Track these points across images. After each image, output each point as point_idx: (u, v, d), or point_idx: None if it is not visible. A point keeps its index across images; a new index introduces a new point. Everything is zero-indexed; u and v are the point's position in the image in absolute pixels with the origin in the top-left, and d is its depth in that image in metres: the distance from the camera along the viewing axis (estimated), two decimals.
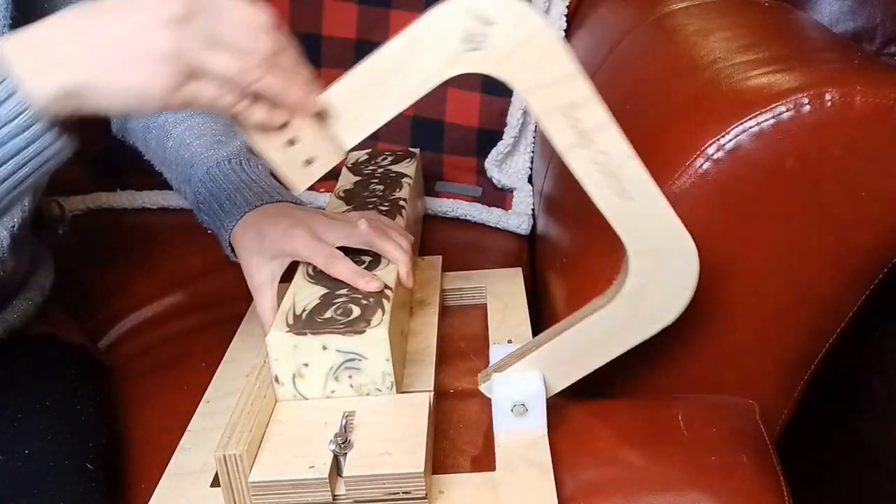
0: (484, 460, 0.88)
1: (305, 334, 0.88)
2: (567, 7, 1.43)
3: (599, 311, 0.89)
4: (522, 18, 0.78)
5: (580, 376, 0.92)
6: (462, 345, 1.07)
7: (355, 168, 1.29)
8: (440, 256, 1.20)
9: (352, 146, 0.83)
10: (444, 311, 1.13)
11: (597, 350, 0.91)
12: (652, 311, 0.88)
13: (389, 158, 1.32)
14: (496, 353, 0.97)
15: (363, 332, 0.88)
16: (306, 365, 0.89)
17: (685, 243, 0.86)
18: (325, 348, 0.88)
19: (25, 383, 0.99)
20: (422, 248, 1.23)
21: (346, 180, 1.25)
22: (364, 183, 1.23)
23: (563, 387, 0.93)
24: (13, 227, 0.98)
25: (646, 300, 0.88)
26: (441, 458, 0.88)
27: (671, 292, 0.88)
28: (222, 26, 0.73)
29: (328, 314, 0.91)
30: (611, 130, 0.82)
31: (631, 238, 0.86)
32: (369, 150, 1.37)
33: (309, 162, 0.82)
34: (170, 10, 0.71)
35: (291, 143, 0.81)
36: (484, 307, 1.12)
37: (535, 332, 1.03)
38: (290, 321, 0.90)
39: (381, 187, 1.21)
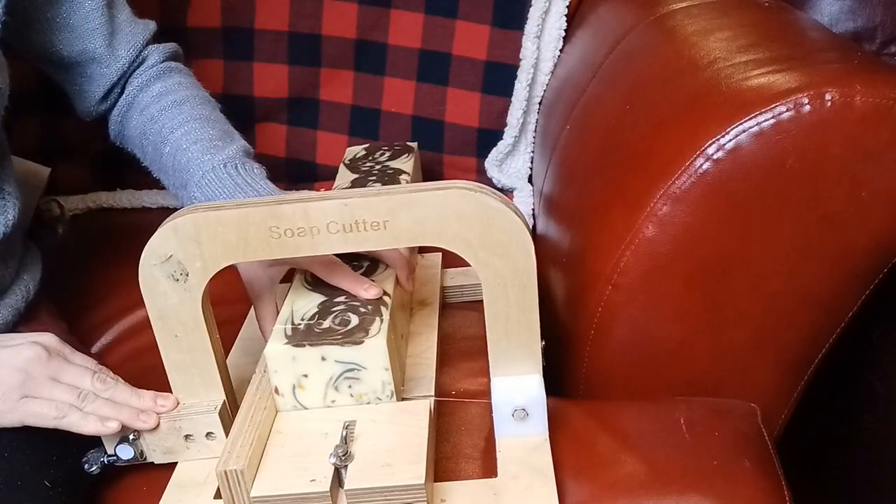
0: (486, 465, 0.88)
1: (304, 346, 0.89)
2: (567, 7, 1.43)
3: (484, 297, 0.88)
4: (177, 230, 0.85)
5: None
6: (463, 345, 1.07)
7: (353, 165, 1.29)
8: (440, 254, 1.20)
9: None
10: (445, 309, 1.13)
11: (520, 318, 0.89)
12: (501, 255, 0.86)
13: (387, 154, 1.32)
14: None
15: (361, 342, 0.88)
16: (306, 376, 0.89)
17: (450, 196, 0.83)
18: (323, 359, 0.88)
19: None
20: (421, 247, 1.23)
21: (344, 178, 1.24)
22: (362, 180, 1.23)
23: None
24: None
25: (488, 251, 0.85)
26: (443, 462, 0.89)
27: (508, 237, 0.85)
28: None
29: (326, 324, 0.91)
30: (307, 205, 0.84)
31: (428, 238, 0.85)
32: (367, 146, 1.36)
33: (210, 435, 0.92)
34: None
35: (188, 437, 0.92)
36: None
37: None
38: (289, 332, 0.91)
39: (379, 184, 1.21)
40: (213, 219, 0.84)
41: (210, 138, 1.07)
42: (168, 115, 1.10)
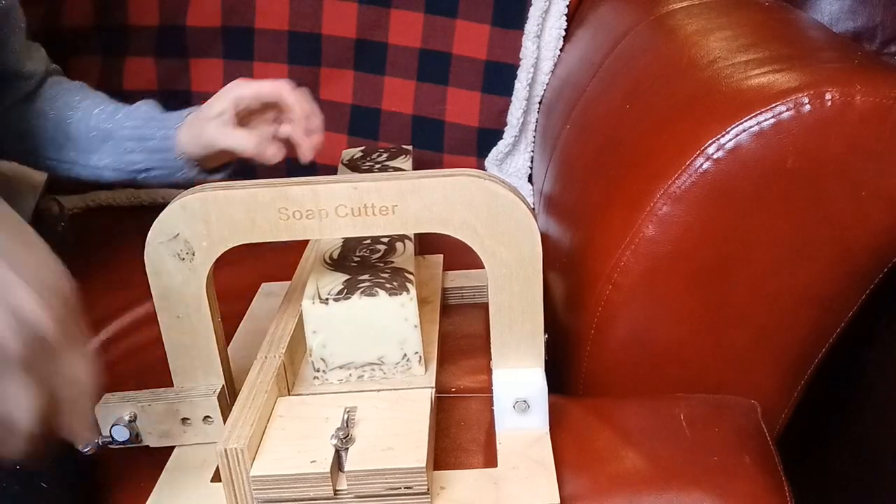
0: (486, 457, 0.88)
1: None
2: (567, 7, 1.44)
3: (489, 287, 0.89)
4: (185, 208, 0.85)
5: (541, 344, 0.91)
6: (463, 343, 1.06)
7: (352, 164, 1.29)
8: (441, 255, 1.20)
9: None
10: (445, 310, 1.12)
11: (524, 309, 0.89)
12: (507, 244, 0.86)
13: (385, 155, 1.32)
14: None
15: None
16: None
17: (458, 183, 0.84)
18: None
19: None
20: (422, 247, 1.23)
21: None
22: None
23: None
24: None
25: (494, 240, 0.86)
26: (443, 455, 0.88)
27: (514, 231, 0.86)
28: None
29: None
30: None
31: (435, 224, 0.86)
32: (363, 148, 1.36)
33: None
34: None
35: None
36: (485, 306, 1.12)
37: None
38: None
39: None
40: (222, 198, 0.84)
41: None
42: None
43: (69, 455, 0.91)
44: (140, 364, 1.15)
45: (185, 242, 0.86)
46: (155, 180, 1.20)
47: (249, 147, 1.12)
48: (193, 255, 0.86)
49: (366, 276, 0.95)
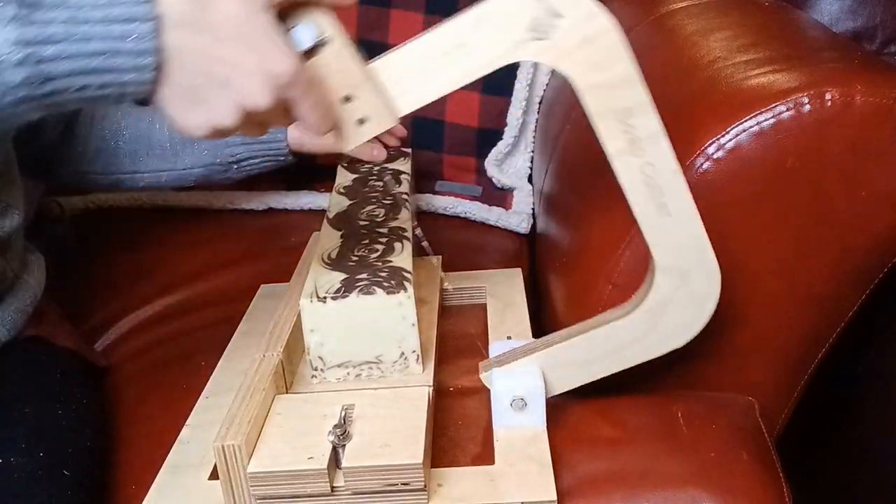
0: (483, 455, 0.88)
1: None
2: None
3: (614, 322, 0.89)
4: (592, 15, 0.79)
5: (580, 383, 0.93)
6: (462, 343, 1.06)
7: (351, 167, 1.29)
8: (440, 256, 1.20)
9: (405, 113, 0.83)
10: (444, 311, 1.12)
11: (604, 360, 0.91)
12: (668, 329, 0.88)
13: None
14: (496, 349, 0.97)
15: None
16: None
17: (710, 265, 0.86)
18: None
19: (6, 392, 0.97)
20: (421, 248, 1.23)
21: (345, 178, 1.25)
22: (363, 180, 1.23)
23: (562, 391, 0.93)
24: None
25: (664, 317, 0.88)
26: (440, 454, 0.88)
27: (690, 313, 0.88)
28: None
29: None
30: (662, 143, 0.83)
31: (660, 253, 0.86)
32: None
33: (362, 121, 0.82)
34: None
35: (347, 99, 0.81)
36: (483, 307, 1.12)
37: (535, 332, 1.03)
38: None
39: (381, 183, 1.21)
40: (619, 50, 0.82)
41: None
42: None
43: (87, 447, 0.95)
44: (145, 364, 1.15)
45: (552, 27, 0.79)
46: (249, 168, 1.32)
47: (362, 149, 1.22)
48: (540, 39, 0.80)
49: (364, 275, 0.95)
